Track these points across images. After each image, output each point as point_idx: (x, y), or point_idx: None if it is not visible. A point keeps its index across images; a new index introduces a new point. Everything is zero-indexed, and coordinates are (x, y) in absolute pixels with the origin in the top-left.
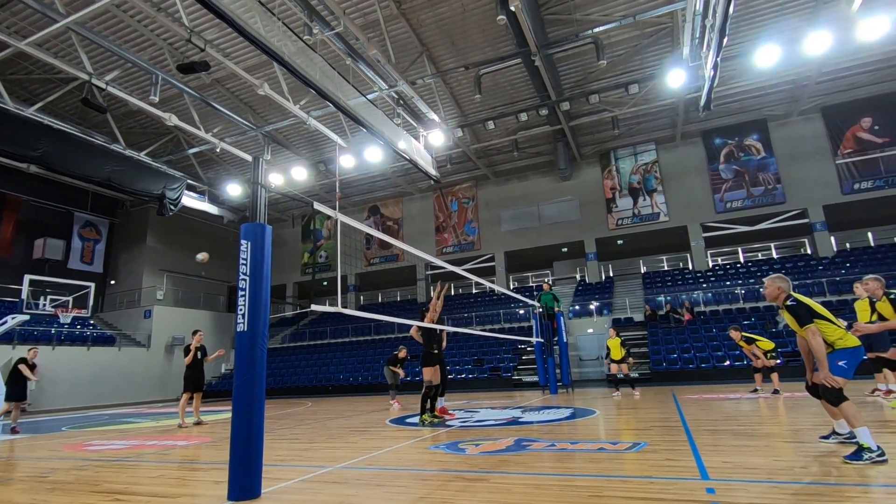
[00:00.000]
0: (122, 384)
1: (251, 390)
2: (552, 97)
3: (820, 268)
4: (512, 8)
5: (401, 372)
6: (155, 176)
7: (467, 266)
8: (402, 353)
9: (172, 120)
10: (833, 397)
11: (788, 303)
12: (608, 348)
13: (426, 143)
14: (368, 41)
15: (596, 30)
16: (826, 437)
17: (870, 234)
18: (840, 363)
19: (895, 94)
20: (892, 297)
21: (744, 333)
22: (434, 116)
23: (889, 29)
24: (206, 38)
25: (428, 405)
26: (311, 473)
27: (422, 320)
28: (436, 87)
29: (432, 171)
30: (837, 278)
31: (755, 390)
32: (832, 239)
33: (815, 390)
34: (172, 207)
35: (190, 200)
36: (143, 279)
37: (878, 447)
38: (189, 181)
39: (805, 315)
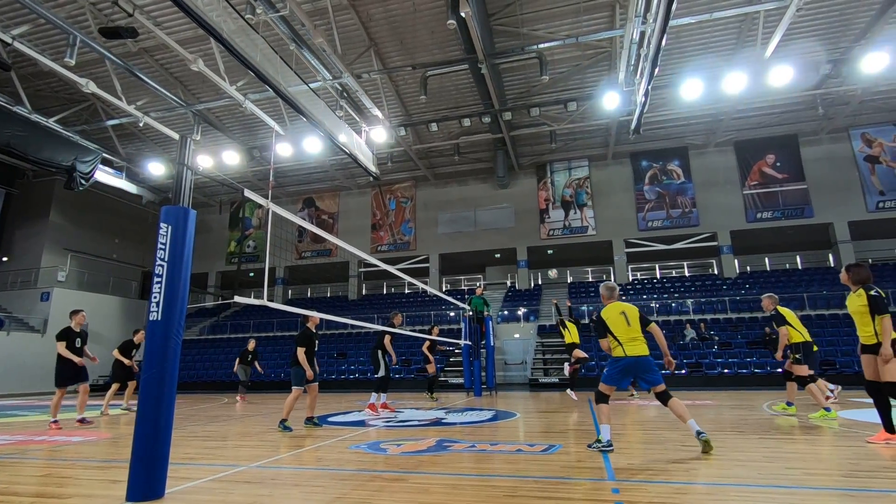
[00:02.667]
0: (10, 373)
1: (161, 383)
2: (495, 106)
3: (724, 287)
4: (463, 14)
5: (259, 368)
6: (65, 146)
7: (401, 266)
8: (252, 346)
9: (90, 87)
10: (595, 396)
11: (594, 316)
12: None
13: (368, 138)
14: (315, 28)
15: (541, 46)
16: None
17: (767, 260)
18: (605, 369)
19: (794, 136)
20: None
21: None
22: (378, 113)
23: (792, 77)
24: (135, 3)
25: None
26: (223, 472)
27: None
28: (381, 83)
29: (372, 168)
30: (738, 297)
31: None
32: (736, 262)
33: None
34: (83, 182)
35: (105, 176)
36: (43, 258)
37: (608, 440)
38: (105, 155)
39: (598, 329)
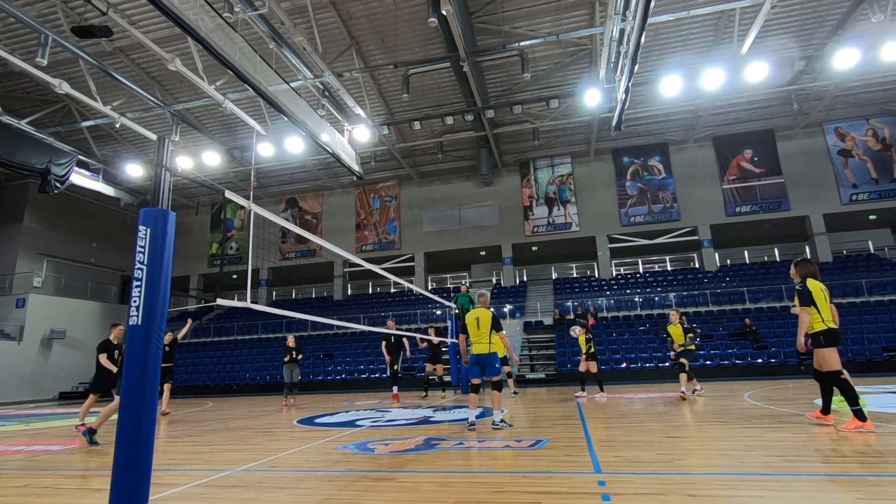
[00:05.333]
0: None
1: (142, 389)
2: (478, 104)
3: (705, 280)
4: (443, 12)
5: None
6: (38, 148)
7: (387, 265)
8: (291, 342)
9: (63, 87)
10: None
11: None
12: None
13: (350, 137)
14: (295, 27)
15: (522, 43)
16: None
17: (746, 253)
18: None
19: (771, 131)
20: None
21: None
22: (360, 112)
23: (768, 74)
24: (109, 1)
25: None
26: (208, 478)
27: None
28: (363, 81)
29: (355, 167)
30: (719, 290)
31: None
32: (716, 255)
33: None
34: (58, 185)
35: (81, 178)
36: (18, 264)
37: (472, 422)
38: (81, 157)
39: (462, 327)
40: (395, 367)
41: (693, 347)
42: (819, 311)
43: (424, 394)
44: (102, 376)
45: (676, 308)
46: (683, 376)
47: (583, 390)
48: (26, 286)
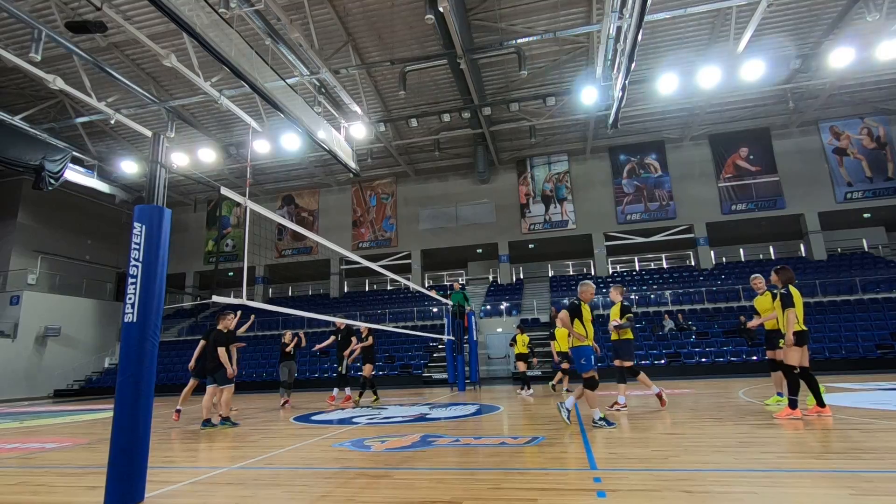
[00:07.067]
0: None
1: (138, 386)
2: (475, 101)
3: (701, 278)
4: (440, 8)
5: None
6: (32, 144)
7: (383, 262)
8: (287, 338)
9: (57, 83)
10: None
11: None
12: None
13: (347, 134)
14: (291, 23)
15: (519, 41)
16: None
17: (741, 250)
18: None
19: (766, 129)
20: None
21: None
22: (357, 108)
23: (764, 72)
24: None
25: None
26: (204, 475)
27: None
28: (360, 78)
29: (352, 164)
30: (714, 288)
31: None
32: (712, 253)
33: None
34: (52, 181)
35: (75, 175)
36: (12, 261)
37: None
38: (75, 153)
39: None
40: (341, 368)
41: (630, 335)
42: (796, 315)
43: (374, 397)
44: (217, 366)
45: (619, 284)
46: (643, 377)
47: (524, 388)
48: (20, 283)
